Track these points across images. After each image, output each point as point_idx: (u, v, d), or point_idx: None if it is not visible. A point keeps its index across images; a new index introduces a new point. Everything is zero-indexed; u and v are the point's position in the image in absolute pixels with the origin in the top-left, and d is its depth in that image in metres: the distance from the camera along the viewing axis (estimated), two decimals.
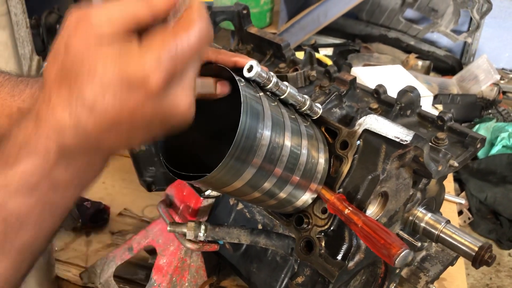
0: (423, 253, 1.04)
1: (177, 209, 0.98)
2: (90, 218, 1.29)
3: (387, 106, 0.96)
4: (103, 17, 0.43)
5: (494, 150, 2.99)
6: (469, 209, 2.77)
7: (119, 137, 0.45)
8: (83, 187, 0.48)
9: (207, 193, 0.95)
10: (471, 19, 3.89)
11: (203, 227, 0.87)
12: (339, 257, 0.71)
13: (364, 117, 0.72)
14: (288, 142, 0.66)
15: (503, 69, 4.16)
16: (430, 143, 0.87)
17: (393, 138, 0.68)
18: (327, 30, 3.71)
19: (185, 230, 0.88)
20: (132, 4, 0.44)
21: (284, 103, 0.69)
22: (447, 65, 4.01)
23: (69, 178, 0.45)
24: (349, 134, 0.73)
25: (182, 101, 0.46)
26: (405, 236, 0.83)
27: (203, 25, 0.45)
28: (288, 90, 0.68)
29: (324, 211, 0.73)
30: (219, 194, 0.97)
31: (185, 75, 0.46)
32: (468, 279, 2.29)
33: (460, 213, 2.78)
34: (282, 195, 0.69)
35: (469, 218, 2.74)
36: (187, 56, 0.44)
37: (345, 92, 0.87)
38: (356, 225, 0.64)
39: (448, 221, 0.88)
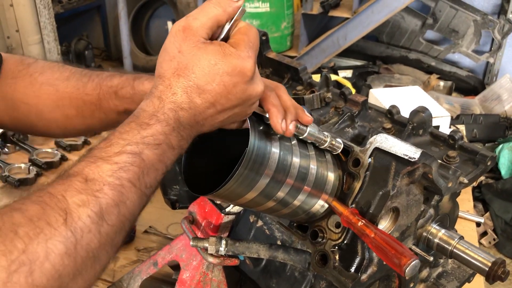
0: (439, 269, 1.05)
1: (200, 225, 1.02)
2: None
3: (400, 126, 1.00)
4: (199, 23, 0.62)
5: None
6: (494, 230, 2.74)
7: (217, 113, 0.64)
8: (182, 151, 0.65)
9: (228, 209, 0.99)
10: (492, 39, 3.89)
11: (224, 242, 0.92)
12: (353, 269, 0.74)
13: (375, 136, 0.76)
14: (296, 159, 0.71)
15: None
16: (441, 161, 0.90)
17: (402, 156, 0.72)
18: (348, 52, 3.78)
19: (207, 244, 0.92)
20: (213, 10, 0.63)
21: (304, 142, 0.75)
22: (469, 85, 4.01)
23: (176, 143, 0.62)
24: (360, 152, 0.77)
25: (259, 82, 0.66)
26: (418, 250, 0.85)
27: (253, 28, 0.66)
28: (308, 129, 0.72)
29: (337, 225, 0.77)
30: (239, 211, 1.02)
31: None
32: None
33: (484, 234, 2.75)
34: (296, 203, 0.74)
35: (494, 239, 2.71)
36: (257, 48, 0.65)
37: (357, 112, 0.91)
38: (369, 236, 0.68)
39: (461, 237, 0.90)
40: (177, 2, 4.44)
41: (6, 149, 1.81)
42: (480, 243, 2.69)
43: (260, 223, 1.11)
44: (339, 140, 0.79)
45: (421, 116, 0.96)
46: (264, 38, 1.28)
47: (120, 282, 1.12)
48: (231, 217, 1.01)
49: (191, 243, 0.94)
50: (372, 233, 0.68)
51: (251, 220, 1.12)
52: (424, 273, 1.02)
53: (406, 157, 0.72)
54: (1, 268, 0.44)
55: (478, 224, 2.71)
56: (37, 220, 0.48)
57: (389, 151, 0.74)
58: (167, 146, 0.61)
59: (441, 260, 1.04)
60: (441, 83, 3.97)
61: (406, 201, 0.78)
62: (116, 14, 4.65)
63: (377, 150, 0.76)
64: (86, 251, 0.51)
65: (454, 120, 3.31)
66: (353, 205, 0.75)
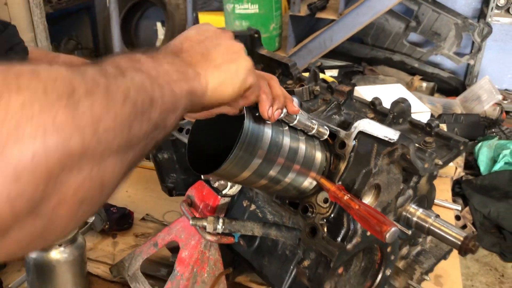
0: (418, 248, 1.15)
1: (197, 207, 1.10)
2: (116, 222, 1.42)
3: (382, 116, 1.09)
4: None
5: (497, 167, 3.09)
6: (473, 224, 2.86)
7: (197, 41, 0.68)
8: (186, 70, 0.63)
9: (224, 192, 1.07)
10: (473, 42, 4.04)
11: (221, 220, 1.00)
12: (339, 239, 0.83)
13: (359, 121, 0.85)
14: (287, 141, 0.80)
15: (506, 90, 4.28)
16: (419, 146, 0.99)
17: (383, 138, 0.81)
18: (334, 54, 3.88)
19: (205, 223, 1.00)
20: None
21: (295, 128, 0.84)
22: (451, 86, 4.15)
23: (171, 60, 0.62)
24: (346, 136, 0.86)
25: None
26: (398, 226, 0.94)
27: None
28: (298, 117, 0.81)
29: (325, 201, 0.85)
30: (235, 193, 1.10)
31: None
32: None
33: (464, 227, 2.86)
34: (287, 180, 0.82)
35: (473, 232, 2.82)
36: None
37: (343, 101, 1.00)
38: (353, 209, 0.77)
39: (437, 216, 1.00)
40: (167, 3, 4.50)
41: None
42: None
43: (253, 207, 1.19)
44: (325, 127, 0.88)
45: (401, 106, 1.05)
46: (256, 35, 1.36)
47: (122, 262, 1.19)
48: (227, 199, 1.09)
49: (190, 222, 1.01)
50: (357, 205, 0.77)
51: (245, 205, 1.20)
52: (404, 250, 1.11)
53: (386, 139, 0.81)
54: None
55: (458, 218, 2.83)
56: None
57: (372, 134, 0.83)
58: (161, 58, 0.60)
59: (420, 239, 1.14)
60: (424, 84, 4.10)
61: (387, 179, 0.86)
62: (105, 15, 4.70)
63: (361, 133, 0.85)
64: (93, 80, 0.47)
65: (436, 119, 3.43)
66: (339, 182, 0.84)
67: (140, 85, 0.53)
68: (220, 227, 1.00)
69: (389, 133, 0.81)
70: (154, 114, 0.55)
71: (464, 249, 0.95)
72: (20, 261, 1.26)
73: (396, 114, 1.04)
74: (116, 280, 1.25)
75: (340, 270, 0.89)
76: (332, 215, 0.84)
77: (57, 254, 1.14)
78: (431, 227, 0.98)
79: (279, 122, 0.82)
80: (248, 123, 0.75)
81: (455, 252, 1.40)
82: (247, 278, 1.28)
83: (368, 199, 0.86)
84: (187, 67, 0.63)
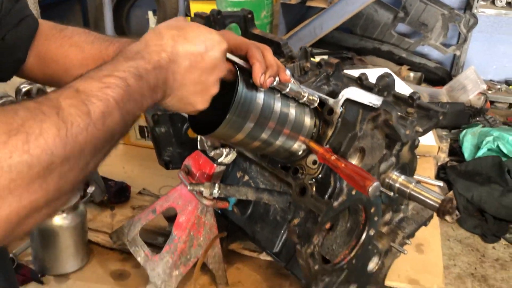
0: (401, 215, 1.22)
1: (194, 175, 1.17)
2: (114, 194, 1.48)
3: (368, 90, 1.16)
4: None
5: (480, 153, 3.18)
6: (456, 207, 2.96)
7: (191, 68, 0.73)
8: (154, 98, 0.71)
9: (219, 160, 1.14)
10: (459, 33, 4.13)
11: (217, 186, 1.06)
12: (326, 197, 0.90)
13: (346, 89, 0.92)
14: (278, 107, 0.86)
15: (491, 80, 4.38)
16: (402, 115, 1.06)
17: (368, 104, 0.88)
18: (323, 44, 3.94)
19: (202, 188, 1.07)
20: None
21: (287, 96, 0.90)
22: (438, 76, 4.23)
23: (154, 83, 0.69)
24: (334, 103, 0.93)
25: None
26: (381, 188, 1.02)
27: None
28: (289, 85, 0.87)
29: (314, 162, 0.92)
30: (229, 162, 1.16)
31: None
32: (454, 269, 2.46)
33: None
34: (278, 143, 0.89)
35: (456, 215, 2.92)
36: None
37: (332, 73, 1.07)
38: (340, 168, 0.84)
39: (418, 182, 1.07)
40: None
41: None
42: (444, 219, 2.89)
43: (246, 177, 1.26)
44: (316, 95, 0.94)
45: (386, 80, 1.12)
46: (250, 16, 1.43)
47: (121, 229, 1.25)
48: (222, 167, 1.15)
49: (188, 187, 1.08)
50: (343, 164, 0.84)
51: (238, 176, 1.27)
52: (388, 216, 1.18)
53: (370, 104, 0.88)
54: (1, 131, 0.50)
55: None
56: (33, 110, 0.55)
57: (357, 100, 0.90)
58: (147, 83, 0.67)
59: (402, 207, 1.21)
60: (411, 74, 4.18)
61: (371, 144, 0.94)
62: (97, 4, 4.71)
63: (348, 101, 0.91)
64: (74, 141, 0.55)
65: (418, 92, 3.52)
66: (327, 146, 0.91)
67: (111, 131, 0.62)
68: (216, 191, 1.06)
69: (373, 99, 0.88)
70: (110, 146, 0.64)
71: (442, 211, 1.03)
72: None
73: (381, 88, 1.11)
74: (115, 247, 1.31)
75: (327, 226, 0.96)
76: (320, 175, 0.91)
77: (60, 220, 1.20)
78: (412, 192, 1.05)
79: (272, 90, 0.88)
80: (241, 90, 0.81)
81: (435, 223, 1.48)
82: (240, 245, 1.35)
83: (353, 161, 0.93)
84: (163, 92, 0.72)
